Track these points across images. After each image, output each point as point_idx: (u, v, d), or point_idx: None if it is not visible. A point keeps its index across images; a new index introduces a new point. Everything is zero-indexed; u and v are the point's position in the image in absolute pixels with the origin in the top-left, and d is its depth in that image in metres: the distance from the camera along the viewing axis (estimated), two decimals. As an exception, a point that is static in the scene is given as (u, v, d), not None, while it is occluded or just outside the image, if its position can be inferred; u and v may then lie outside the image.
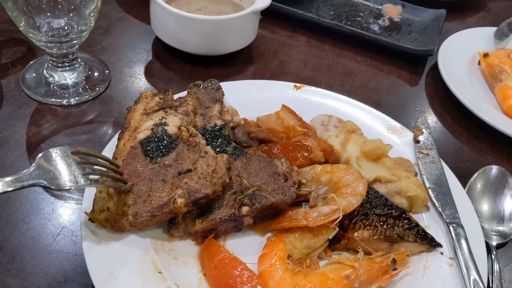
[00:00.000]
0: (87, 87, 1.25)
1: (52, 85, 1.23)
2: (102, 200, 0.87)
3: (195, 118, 1.07)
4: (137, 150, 0.95)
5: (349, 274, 0.85)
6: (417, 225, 0.94)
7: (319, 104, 1.23)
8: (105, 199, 0.87)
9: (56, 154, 0.78)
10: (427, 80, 1.52)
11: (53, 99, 1.20)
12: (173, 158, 0.93)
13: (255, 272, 0.86)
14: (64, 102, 1.20)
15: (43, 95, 1.20)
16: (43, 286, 0.85)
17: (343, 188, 0.94)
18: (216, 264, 0.85)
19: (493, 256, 0.99)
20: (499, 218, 1.06)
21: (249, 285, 0.82)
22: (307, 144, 1.04)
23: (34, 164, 0.75)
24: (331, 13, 1.73)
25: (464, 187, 1.08)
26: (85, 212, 0.86)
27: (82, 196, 0.91)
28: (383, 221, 0.93)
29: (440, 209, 1.00)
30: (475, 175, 1.12)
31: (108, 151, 0.99)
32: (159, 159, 0.93)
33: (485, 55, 1.50)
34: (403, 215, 0.95)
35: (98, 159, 0.86)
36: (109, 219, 0.86)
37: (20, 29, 1.12)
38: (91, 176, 0.80)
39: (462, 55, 1.52)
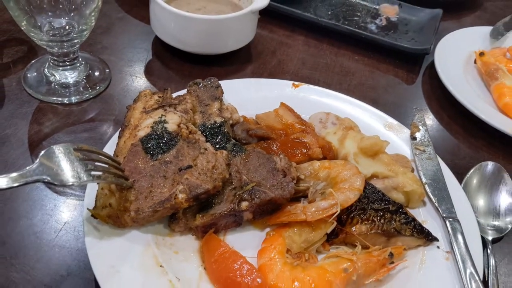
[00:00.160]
0: (87, 86, 1.26)
1: (53, 84, 1.24)
2: (104, 197, 0.89)
3: (194, 115, 1.08)
4: (137, 147, 0.96)
5: (347, 267, 0.86)
6: (414, 219, 0.96)
7: (317, 102, 1.24)
8: (107, 195, 0.89)
9: (58, 150, 0.80)
10: (424, 78, 1.54)
11: (54, 98, 1.21)
12: (174, 155, 0.95)
13: (255, 266, 0.88)
14: (65, 100, 1.22)
15: (44, 94, 1.22)
16: (46, 280, 0.86)
17: (341, 183, 0.95)
18: (216, 258, 0.86)
19: (489, 251, 1.00)
20: (495, 213, 1.07)
21: (249, 278, 0.83)
22: (305, 141, 1.06)
23: (37, 160, 0.77)
24: (329, 13, 1.74)
25: (460, 183, 1.09)
26: (88, 209, 0.88)
27: (83, 192, 0.93)
28: (381, 216, 0.95)
29: (436, 204, 1.02)
30: (471, 171, 1.13)
31: (108, 149, 1.00)
32: (160, 156, 0.95)
33: (481, 53, 1.51)
34: (400, 210, 0.96)
35: (100, 156, 0.87)
36: (112, 215, 0.87)
37: (22, 28, 1.13)
38: (93, 172, 0.82)
39: (458, 54, 1.54)
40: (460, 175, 1.12)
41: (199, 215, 0.90)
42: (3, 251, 0.89)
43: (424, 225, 0.97)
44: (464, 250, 0.92)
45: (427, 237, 0.95)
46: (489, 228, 1.05)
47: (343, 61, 1.55)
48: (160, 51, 1.45)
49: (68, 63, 1.24)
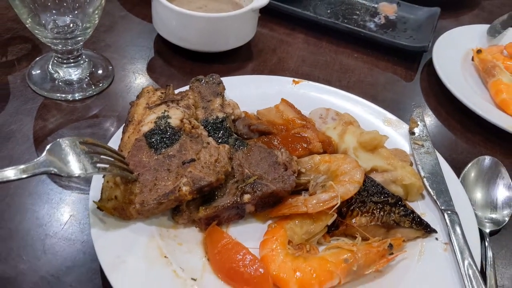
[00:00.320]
0: (91, 83, 1.28)
1: (57, 81, 1.26)
2: (110, 190, 0.90)
3: (197, 111, 1.10)
4: (141, 142, 0.98)
5: (348, 257, 0.87)
6: (413, 211, 0.98)
7: (317, 98, 1.26)
8: (112, 188, 0.90)
9: (65, 144, 0.82)
10: (422, 75, 1.56)
11: (58, 94, 1.23)
12: (177, 149, 0.96)
13: (257, 257, 0.89)
14: (69, 97, 1.23)
15: (48, 91, 1.24)
16: (53, 271, 0.88)
17: (341, 176, 0.97)
18: (219, 249, 0.87)
19: (486, 243, 1.02)
20: (492, 206, 1.09)
21: (251, 268, 0.85)
22: (306, 135, 1.07)
23: (44, 153, 0.78)
24: (328, 11, 1.76)
25: (458, 177, 1.11)
26: (94, 201, 0.89)
27: (88, 186, 0.94)
28: (380, 208, 0.96)
29: (434, 197, 1.03)
30: (469, 165, 1.15)
31: (112, 144, 1.02)
32: (163, 150, 0.96)
33: (479, 51, 1.53)
34: (399, 203, 0.98)
35: (105, 150, 0.89)
36: (117, 208, 0.89)
37: (27, 26, 1.15)
38: (99, 165, 0.83)
39: (456, 51, 1.56)
40: (458, 169, 1.14)
41: (202, 207, 0.92)
42: (11, 243, 0.91)
43: (422, 218, 0.98)
44: (462, 241, 0.94)
45: (426, 229, 0.97)
46: (486, 221, 1.07)
47: (342, 59, 1.57)
48: (162, 48, 1.46)
49: (72, 61, 1.26)
